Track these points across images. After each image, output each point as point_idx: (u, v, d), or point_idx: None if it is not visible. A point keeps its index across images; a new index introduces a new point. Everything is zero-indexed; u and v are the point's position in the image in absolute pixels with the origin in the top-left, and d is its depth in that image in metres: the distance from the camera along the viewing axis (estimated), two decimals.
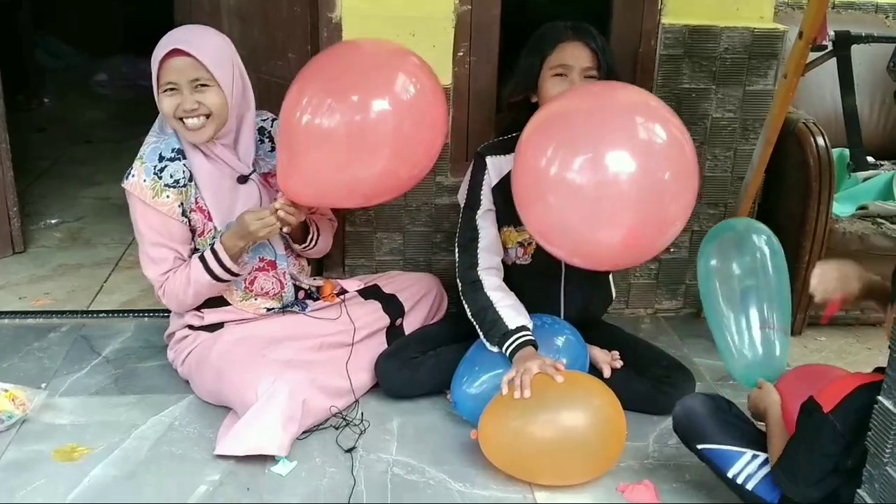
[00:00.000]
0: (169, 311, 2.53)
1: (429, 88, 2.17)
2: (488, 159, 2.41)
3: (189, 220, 2.31)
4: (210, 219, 2.31)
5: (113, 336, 2.73)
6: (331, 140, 2.08)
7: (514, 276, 2.45)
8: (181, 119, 2.21)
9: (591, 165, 1.92)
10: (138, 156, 2.31)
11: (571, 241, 2.03)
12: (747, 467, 1.94)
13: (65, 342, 2.68)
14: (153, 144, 2.31)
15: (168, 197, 2.26)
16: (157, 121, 2.35)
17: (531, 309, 2.37)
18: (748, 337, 2.16)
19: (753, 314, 2.16)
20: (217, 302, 2.40)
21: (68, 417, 2.30)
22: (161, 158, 2.28)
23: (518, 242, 2.46)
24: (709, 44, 2.78)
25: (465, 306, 2.38)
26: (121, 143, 4.66)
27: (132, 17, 6.05)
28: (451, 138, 2.78)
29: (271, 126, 2.44)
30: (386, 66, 2.16)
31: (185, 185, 2.28)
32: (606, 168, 1.92)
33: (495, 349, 2.29)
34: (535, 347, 2.24)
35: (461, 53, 2.72)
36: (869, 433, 1.68)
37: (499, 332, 2.27)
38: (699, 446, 2.01)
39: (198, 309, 2.41)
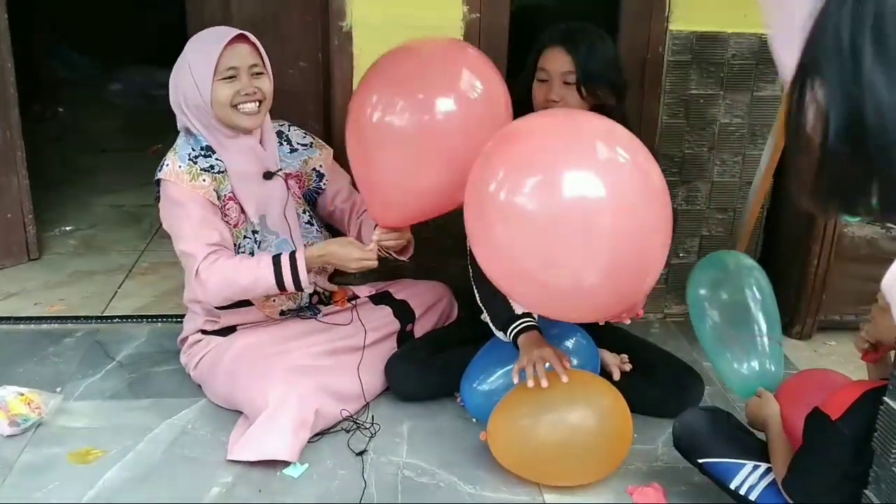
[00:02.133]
0: (183, 316, 2.55)
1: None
2: None
3: (223, 211, 2.32)
4: (244, 211, 2.35)
5: (127, 341, 2.76)
6: (403, 149, 2.07)
7: None
8: (235, 106, 2.26)
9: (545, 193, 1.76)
10: (172, 149, 2.34)
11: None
12: (749, 478, 1.94)
13: (79, 347, 2.71)
14: (183, 141, 2.35)
15: (205, 181, 2.29)
16: (180, 128, 2.38)
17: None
18: (744, 349, 2.16)
19: (747, 328, 2.18)
20: (239, 303, 2.40)
21: (83, 421, 2.33)
22: (193, 150, 2.32)
23: None
24: (716, 50, 2.80)
25: (476, 292, 2.39)
26: (135, 152, 4.74)
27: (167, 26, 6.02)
28: None
29: (288, 130, 2.50)
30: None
31: (220, 173, 2.31)
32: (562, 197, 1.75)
33: (501, 334, 2.30)
34: (540, 333, 2.25)
35: None
36: (875, 433, 1.69)
37: (505, 316, 2.28)
38: (700, 461, 2.02)
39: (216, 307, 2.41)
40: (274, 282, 2.27)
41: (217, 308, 2.40)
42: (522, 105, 2.39)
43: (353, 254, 2.28)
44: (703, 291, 2.27)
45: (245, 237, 2.36)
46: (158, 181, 2.31)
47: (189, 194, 2.26)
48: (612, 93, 2.38)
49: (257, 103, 2.28)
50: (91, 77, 6.32)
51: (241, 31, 2.27)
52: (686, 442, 2.05)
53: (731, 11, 2.80)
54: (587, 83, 2.32)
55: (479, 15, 2.72)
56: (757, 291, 2.22)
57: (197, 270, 2.26)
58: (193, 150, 2.31)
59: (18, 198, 3.23)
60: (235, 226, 2.35)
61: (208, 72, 2.23)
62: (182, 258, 2.34)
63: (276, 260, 2.27)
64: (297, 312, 2.50)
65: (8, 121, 3.13)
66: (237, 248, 2.35)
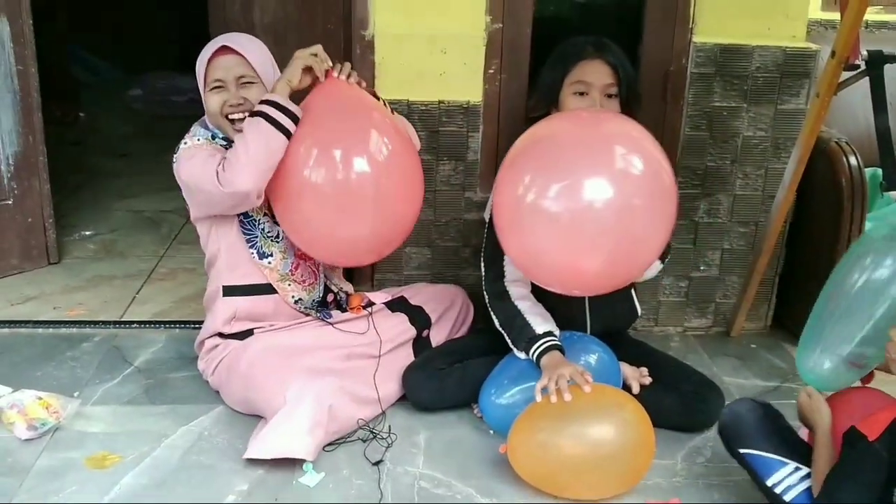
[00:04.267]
0: (201, 322, 2.55)
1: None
2: None
3: None
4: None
5: (144, 346, 2.76)
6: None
7: (539, 292, 2.46)
8: (227, 117, 2.31)
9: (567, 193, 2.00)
10: (189, 135, 2.38)
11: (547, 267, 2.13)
12: (788, 478, 1.91)
13: (97, 352, 2.71)
14: (203, 129, 2.39)
15: (222, 147, 2.34)
16: (196, 123, 2.41)
17: (559, 325, 2.37)
18: (842, 348, 2.00)
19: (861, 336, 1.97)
20: (250, 290, 2.41)
21: (100, 426, 2.33)
22: (213, 138, 2.37)
23: None
24: (740, 62, 2.78)
25: (493, 317, 2.39)
26: (154, 156, 4.75)
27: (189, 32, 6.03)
28: (481, 154, 2.80)
29: None
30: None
31: None
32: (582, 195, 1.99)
33: (522, 355, 2.30)
34: (562, 353, 2.24)
35: (492, 71, 2.74)
36: None
37: (526, 337, 2.28)
38: (742, 450, 1.98)
39: (228, 294, 2.42)
40: (268, 124, 2.17)
41: (230, 296, 2.40)
42: (543, 117, 2.37)
43: (295, 58, 2.28)
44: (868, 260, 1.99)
45: (265, 213, 2.39)
46: (175, 161, 2.35)
47: (202, 146, 2.32)
48: (637, 104, 2.39)
49: (247, 113, 2.28)
50: (111, 82, 6.37)
51: (226, 44, 2.30)
52: (732, 430, 2.02)
53: (755, 24, 2.78)
54: (629, 93, 2.33)
55: (501, 25, 2.71)
56: None
57: (217, 179, 2.21)
58: (214, 136, 2.37)
59: (39, 202, 3.25)
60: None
61: (200, 81, 2.33)
62: (202, 193, 2.29)
63: (256, 111, 2.22)
64: (312, 308, 2.49)
65: (31, 125, 3.15)
66: (257, 224, 2.39)
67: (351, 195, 2.20)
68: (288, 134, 2.19)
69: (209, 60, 2.31)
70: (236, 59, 2.30)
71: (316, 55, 2.30)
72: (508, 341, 2.35)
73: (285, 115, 2.20)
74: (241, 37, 2.38)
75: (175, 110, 5.88)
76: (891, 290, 1.93)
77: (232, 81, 2.30)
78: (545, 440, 2.08)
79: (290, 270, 2.44)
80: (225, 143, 2.36)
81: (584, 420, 2.09)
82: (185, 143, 2.35)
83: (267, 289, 2.42)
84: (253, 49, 2.33)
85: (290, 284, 2.45)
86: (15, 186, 3.17)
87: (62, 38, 5.34)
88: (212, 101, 2.32)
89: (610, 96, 2.32)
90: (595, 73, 2.32)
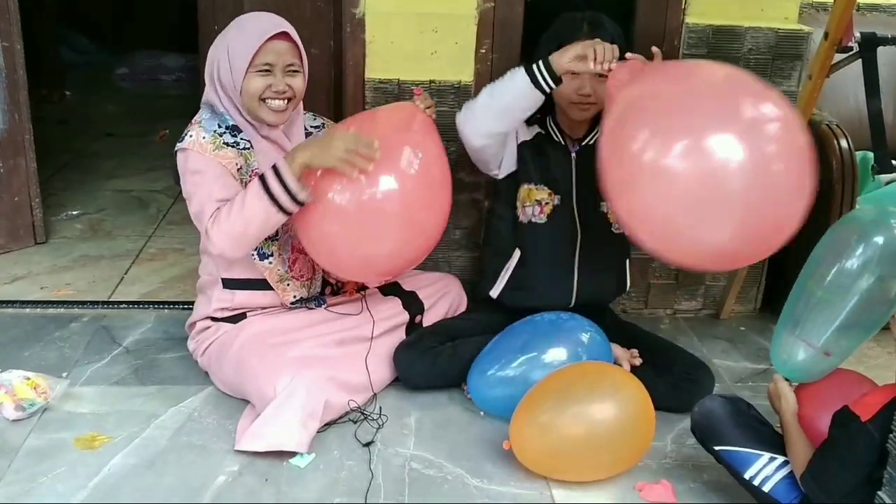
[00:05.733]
0: (190, 303, 2.54)
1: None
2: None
3: (244, 184, 2.27)
4: None
5: (133, 327, 2.74)
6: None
7: (527, 238, 2.46)
8: (263, 100, 2.25)
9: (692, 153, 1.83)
10: (193, 122, 2.31)
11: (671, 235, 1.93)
12: (764, 469, 1.93)
13: (86, 332, 2.70)
14: (209, 116, 2.32)
15: (228, 152, 2.27)
16: (204, 103, 2.36)
17: (545, 292, 2.44)
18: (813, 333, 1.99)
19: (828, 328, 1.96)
20: (252, 284, 2.38)
21: (89, 406, 2.31)
22: (220, 126, 2.29)
23: (536, 200, 2.47)
24: (733, 44, 2.77)
25: (473, 105, 2.37)
26: (141, 136, 4.72)
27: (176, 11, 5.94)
28: None
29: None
30: None
31: (246, 149, 2.29)
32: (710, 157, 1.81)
33: (531, 87, 2.24)
34: None
35: (483, 50, 2.72)
36: (890, 435, 1.68)
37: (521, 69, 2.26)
38: (716, 447, 2.00)
39: (229, 287, 2.38)
40: (268, 199, 2.12)
41: (230, 289, 2.38)
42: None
43: (338, 144, 2.10)
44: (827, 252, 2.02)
45: None
46: (176, 153, 2.29)
47: (209, 161, 2.24)
48: None
49: (286, 101, 2.28)
50: (98, 61, 6.31)
51: (285, 29, 2.25)
52: (704, 428, 2.03)
53: (747, 5, 2.78)
54: None
55: (493, 4, 2.69)
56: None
57: (206, 229, 2.21)
58: (220, 126, 2.30)
59: (25, 181, 3.21)
60: None
61: (244, 61, 2.22)
62: (195, 220, 2.29)
63: (261, 177, 2.16)
64: (307, 302, 2.48)
65: (16, 103, 3.11)
66: None
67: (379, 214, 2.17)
68: (289, 214, 2.17)
69: (263, 43, 2.21)
70: (289, 47, 2.26)
71: (356, 151, 2.09)
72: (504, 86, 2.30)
73: (292, 199, 2.13)
74: (287, 23, 2.30)
75: (162, 89, 5.85)
76: (864, 282, 1.91)
77: (281, 68, 2.24)
78: (547, 423, 2.07)
79: (289, 266, 2.40)
80: (233, 139, 2.28)
81: (585, 400, 2.09)
82: (191, 136, 2.26)
83: (266, 284, 2.39)
84: (299, 38, 2.29)
85: (289, 284, 2.42)
86: (1, 165, 3.14)
87: (48, 17, 5.28)
88: (255, 83, 2.23)
89: (602, 76, 2.31)
90: None
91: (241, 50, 2.23)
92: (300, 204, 2.15)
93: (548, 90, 2.23)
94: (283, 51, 2.25)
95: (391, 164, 2.15)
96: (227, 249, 2.22)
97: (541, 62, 2.21)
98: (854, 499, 1.74)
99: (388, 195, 2.16)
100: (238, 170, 2.27)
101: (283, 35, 2.25)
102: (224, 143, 2.27)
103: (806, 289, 2.02)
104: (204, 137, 2.26)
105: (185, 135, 2.29)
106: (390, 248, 2.23)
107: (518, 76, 2.24)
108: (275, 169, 2.13)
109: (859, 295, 1.91)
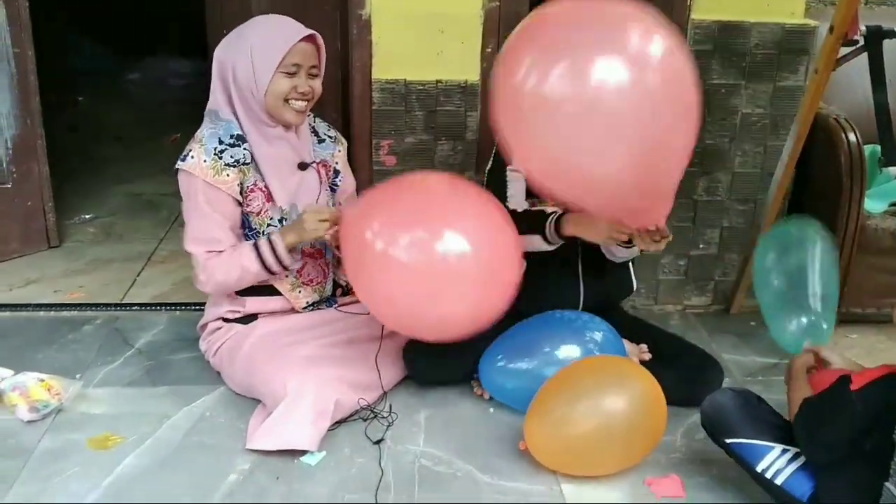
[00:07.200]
0: (202, 304, 2.56)
1: None
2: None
3: (245, 201, 2.34)
4: (269, 199, 2.35)
5: (146, 328, 2.77)
6: None
7: (532, 261, 2.46)
8: (287, 101, 2.30)
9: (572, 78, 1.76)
10: (195, 139, 2.34)
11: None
12: (777, 462, 1.92)
13: (99, 334, 2.72)
14: (211, 130, 2.34)
15: (228, 175, 2.30)
16: (207, 113, 2.38)
17: (552, 297, 2.42)
18: (797, 306, 2.19)
19: (802, 288, 2.20)
20: (263, 291, 2.41)
21: (102, 407, 2.34)
22: (220, 142, 2.31)
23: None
24: (739, 39, 2.77)
25: None
26: (152, 141, 4.76)
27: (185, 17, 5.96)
28: (480, 134, 2.80)
29: (314, 121, 2.53)
30: None
31: (246, 164, 2.32)
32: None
33: (542, 241, 2.36)
34: None
35: (489, 50, 2.73)
36: None
37: (541, 220, 2.34)
38: (727, 440, 2.00)
39: (240, 294, 2.42)
40: (259, 266, 2.31)
41: (241, 296, 2.42)
42: None
43: (308, 219, 2.28)
44: (767, 260, 2.28)
45: (269, 224, 2.37)
46: (177, 171, 2.32)
47: (205, 189, 2.28)
48: None
49: (307, 102, 2.33)
50: (109, 67, 6.34)
51: (313, 32, 2.31)
52: (714, 421, 2.04)
53: (754, 1, 2.77)
54: None
55: (498, 3, 2.70)
56: (816, 256, 2.21)
57: (200, 265, 2.33)
58: (221, 140, 2.31)
59: (39, 186, 3.25)
60: (258, 214, 2.36)
61: (272, 62, 2.25)
62: (187, 241, 2.37)
63: (256, 245, 2.31)
64: (318, 304, 2.50)
65: (29, 108, 3.14)
66: (261, 235, 2.35)
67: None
68: (272, 272, 2.35)
69: (294, 44, 2.26)
70: (313, 50, 2.32)
71: (326, 220, 2.27)
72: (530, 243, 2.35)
73: (282, 267, 2.34)
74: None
75: (173, 94, 5.88)
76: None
77: (305, 70, 2.30)
78: (561, 418, 2.08)
79: (298, 272, 2.43)
80: (233, 158, 2.30)
81: (595, 394, 2.10)
82: (192, 158, 2.29)
83: (277, 290, 2.43)
84: (322, 45, 2.36)
85: (300, 291, 2.45)
86: (14, 170, 3.17)
87: (59, 23, 5.31)
88: (282, 84, 2.27)
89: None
90: None
91: (270, 50, 2.26)
92: (285, 268, 2.36)
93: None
94: (310, 53, 2.31)
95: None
96: (213, 292, 2.44)
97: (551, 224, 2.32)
98: (838, 452, 1.79)
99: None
100: (239, 187, 2.32)
101: (312, 39, 2.30)
102: (225, 164, 2.29)
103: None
104: (205, 161, 2.29)
105: (187, 154, 2.30)
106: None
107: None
108: (269, 241, 2.30)
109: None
